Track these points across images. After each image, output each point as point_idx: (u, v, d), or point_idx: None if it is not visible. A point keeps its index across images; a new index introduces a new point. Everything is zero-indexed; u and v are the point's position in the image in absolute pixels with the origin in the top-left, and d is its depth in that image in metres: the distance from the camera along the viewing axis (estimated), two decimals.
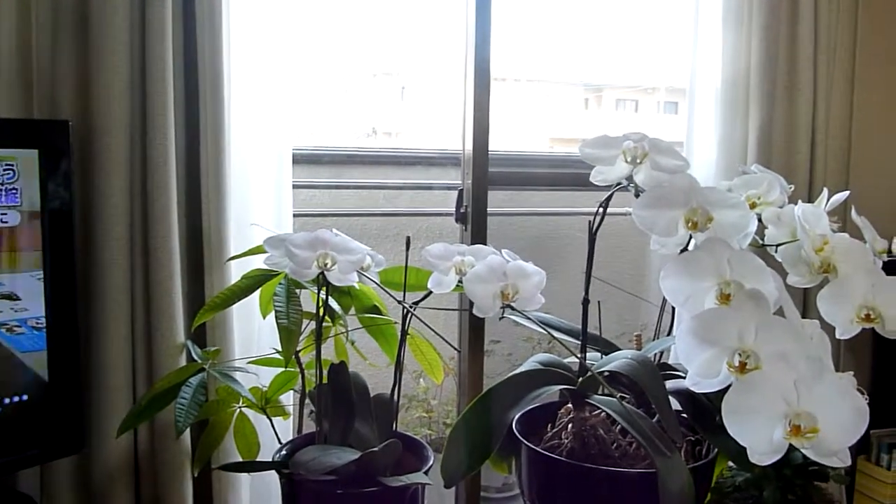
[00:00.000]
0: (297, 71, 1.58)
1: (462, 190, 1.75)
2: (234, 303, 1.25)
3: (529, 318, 1.21)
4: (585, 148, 1.00)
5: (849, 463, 0.83)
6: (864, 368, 2.08)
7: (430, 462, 1.18)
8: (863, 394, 0.82)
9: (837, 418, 0.80)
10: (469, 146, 1.75)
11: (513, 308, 1.05)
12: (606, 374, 1.18)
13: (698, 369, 0.86)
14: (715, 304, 0.88)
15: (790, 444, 0.84)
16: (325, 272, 1.06)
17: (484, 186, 1.73)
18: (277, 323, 1.15)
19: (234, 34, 1.46)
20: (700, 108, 1.90)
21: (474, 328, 1.74)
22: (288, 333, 1.14)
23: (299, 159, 1.95)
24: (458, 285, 1.09)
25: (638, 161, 0.97)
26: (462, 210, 1.75)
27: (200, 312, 1.26)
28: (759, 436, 0.81)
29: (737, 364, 0.83)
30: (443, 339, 1.12)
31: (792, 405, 0.80)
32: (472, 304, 1.04)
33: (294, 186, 1.61)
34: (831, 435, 0.80)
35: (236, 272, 1.44)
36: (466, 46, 1.75)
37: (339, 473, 1.13)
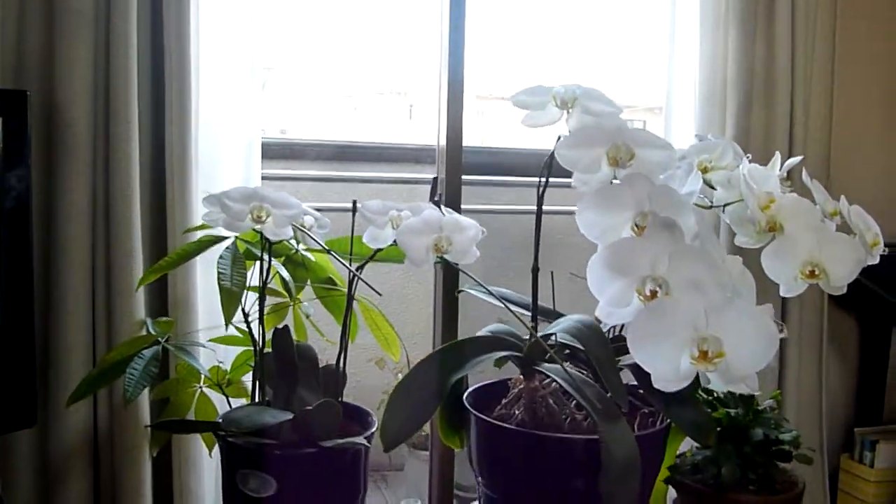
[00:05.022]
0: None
1: (436, 178, 1.74)
2: (178, 265, 1.24)
3: (488, 292, 1.19)
4: (518, 95, 0.99)
5: (756, 390, 0.80)
6: (850, 367, 2.04)
7: (373, 428, 1.16)
8: (780, 327, 0.79)
9: (745, 343, 0.77)
10: (443, 141, 1.75)
11: (447, 262, 1.03)
12: (561, 346, 1.16)
13: (609, 299, 0.83)
14: (631, 235, 0.86)
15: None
16: (260, 225, 1.05)
17: (458, 175, 1.72)
18: (219, 285, 1.14)
19: (204, 25, 1.48)
20: (678, 119, 1.89)
21: (447, 309, 1.72)
22: (229, 295, 1.13)
23: (286, 154, 1.97)
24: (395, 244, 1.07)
25: (568, 106, 0.96)
26: (436, 199, 1.73)
27: (144, 274, 1.26)
28: (665, 362, 0.78)
29: (648, 293, 0.81)
30: (367, 284, 1.11)
31: (700, 331, 0.77)
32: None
33: (264, 178, 1.62)
34: (738, 360, 0.77)
35: None
36: (441, 52, 1.76)
37: (279, 438, 1.11)
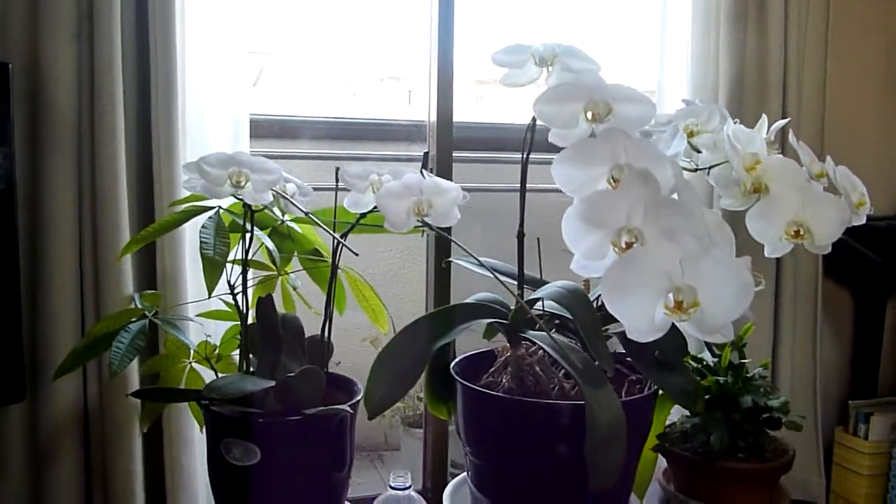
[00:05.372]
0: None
1: (427, 152, 1.74)
2: (161, 234, 1.24)
3: (477, 262, 1.18)
4: (497, 54, 0.98)
5: (731, 338, 0.79)
6: (844, 340, 2.03)
7: (358, 396, 1.15)
8: (757, 279, 0.78)
9: (720, 292, 0.76)
10: (434, 116, 1.74)
11: (428, 225, 1.02)
12: (550, 317, 1.15)
13: (585, 252, 0.82)
14: (606, 188, 0.85)
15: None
16: (239, 190, 1.04)
17: (449, 150, 1.72)
18: (202, 253, 1.13)
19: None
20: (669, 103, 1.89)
21: (439, 281, 1.72)
22: (212, 264, 1.12)
23: (279, 132, 1.96)
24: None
25: (548, 64, 0.94)
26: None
27: (126, 245, 1.26)
28: (639, 312, 0.77)
29: (623, 245, 0.79)
30: (348, 248, 1.09)
31: (675, 281, 0.76)
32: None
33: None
34: (713, 309, 0.76)
35: None
36: (430, 26, 1.75)
37: (264, 406, 1.10)
